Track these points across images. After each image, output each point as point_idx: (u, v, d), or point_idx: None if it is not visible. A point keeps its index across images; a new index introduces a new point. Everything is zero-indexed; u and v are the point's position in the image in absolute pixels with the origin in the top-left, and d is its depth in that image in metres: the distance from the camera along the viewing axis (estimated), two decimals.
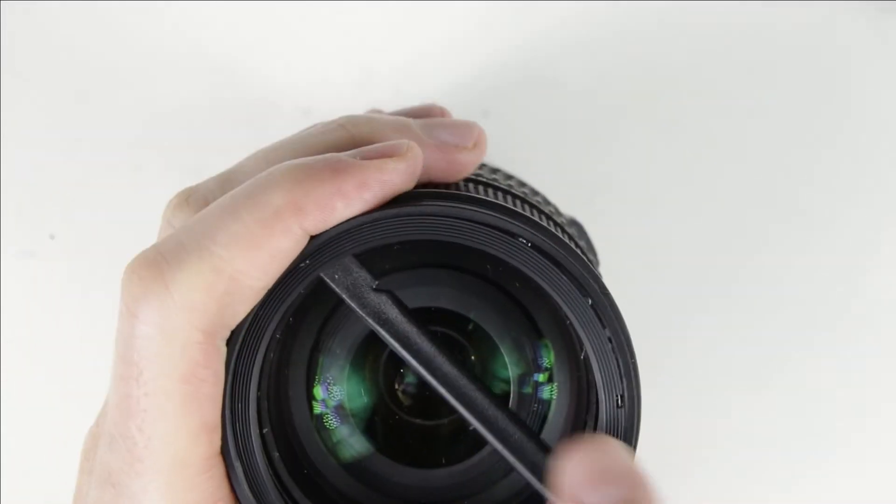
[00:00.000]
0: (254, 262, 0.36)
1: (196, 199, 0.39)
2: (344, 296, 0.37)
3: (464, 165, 0.40)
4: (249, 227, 0.35)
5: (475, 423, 0.37)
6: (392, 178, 0.37)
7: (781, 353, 0.60)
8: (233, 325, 0.37)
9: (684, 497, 0.61)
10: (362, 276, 0.37)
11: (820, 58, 0.61)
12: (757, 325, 0.61)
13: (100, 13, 0.61)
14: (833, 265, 0.61)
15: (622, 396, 0.37)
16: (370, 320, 0.37)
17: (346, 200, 0.36)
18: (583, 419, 0.40)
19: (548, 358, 0.41)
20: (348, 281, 0.37)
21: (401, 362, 0.41)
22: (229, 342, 0.37)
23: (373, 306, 0.37)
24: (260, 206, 0.36)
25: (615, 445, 0.34)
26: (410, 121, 0.41)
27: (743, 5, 0.61)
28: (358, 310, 0.37)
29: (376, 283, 0.37)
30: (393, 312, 0.37)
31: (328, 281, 0.37)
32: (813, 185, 0.61)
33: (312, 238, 0.37)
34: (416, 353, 0.37)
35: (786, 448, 0.61)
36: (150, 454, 0.35)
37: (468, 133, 0.41)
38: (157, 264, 0.35)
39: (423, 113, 0.44)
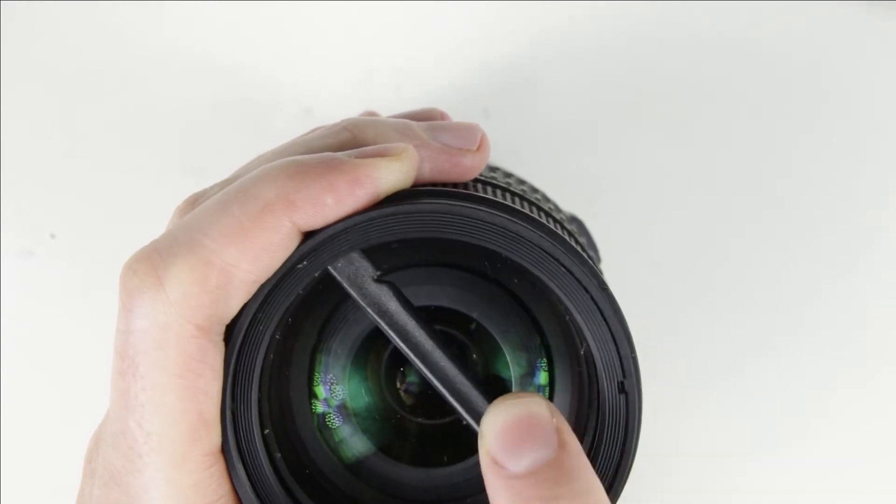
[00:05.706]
0: (245, 255, 0.36)
1: None
2: (345, 284, 0.37)
3: (470, 168, 0.40)
4: (240, 220, 0.36)
5: (468, 420, 0.37)
6: (385, 175, 0.37)
7: (781, 350, 0.61)
8: (226, 320, 0.37)
9: (680, 491, 0.61)
10: (364, 266, 0.37)
11: (820, 58, 0.61)
12: (757, 322, 0.61)
13: (99, 13, 0.61)
14: (833, 264, 0.61)
15: (622, 383, 0.37)
16: (369, 310, 0.37)
17: (337, 196, 0.36)
18: (585, 414, 0.40)
19: (548, 355, 0.41)
20: (350, 271, 0.37)
21: (403, 361, 0.41)
22: (227, 341, 0.37)
23: (373, 297, 0.37)
24: (251, 199, 0.36)
25: (537, 402, 0.35)
26: (414, 123, 0.41)
27: (743, 5, 0.61)
28: (357, 299, 0.37)
29: (378, 273, 0.37)
30: (393, 304, 0.37)
31: (332, 270, 0.37)
32: (812, 184, 0.61)
33: (308, 237, 0.37)
34: (414, 346, 0.37)
35: (785, 445, 0.61)
36: (150, 450, 0.35)
37: (471, 136, 0.41)
38: (150, 259, 0.36)
39: (424, 117, 0.44)
